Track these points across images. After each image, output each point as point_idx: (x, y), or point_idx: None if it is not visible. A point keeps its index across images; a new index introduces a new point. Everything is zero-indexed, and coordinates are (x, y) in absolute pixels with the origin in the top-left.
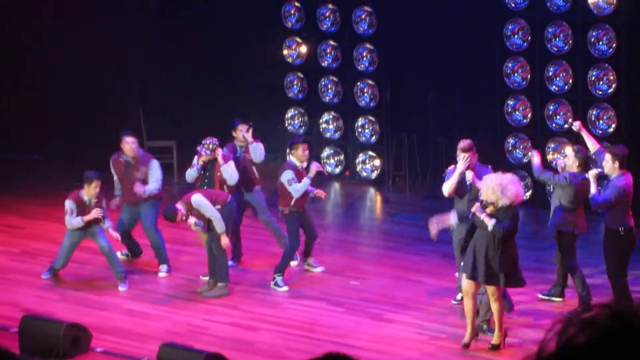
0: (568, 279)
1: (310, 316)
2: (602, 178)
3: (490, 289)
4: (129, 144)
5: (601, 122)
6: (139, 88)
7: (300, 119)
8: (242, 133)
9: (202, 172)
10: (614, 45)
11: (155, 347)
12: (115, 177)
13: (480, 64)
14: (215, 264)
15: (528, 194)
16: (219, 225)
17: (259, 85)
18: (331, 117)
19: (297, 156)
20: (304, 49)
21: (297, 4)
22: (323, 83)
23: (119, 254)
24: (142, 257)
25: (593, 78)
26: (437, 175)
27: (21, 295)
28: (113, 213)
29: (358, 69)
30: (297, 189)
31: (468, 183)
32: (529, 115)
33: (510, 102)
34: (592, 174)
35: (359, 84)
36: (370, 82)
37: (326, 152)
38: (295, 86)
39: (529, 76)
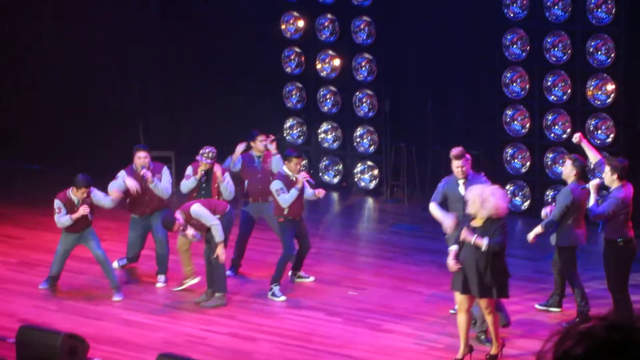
0: (566, 289)
1: (308, 326)
2: (602, 188)
3: (483, 302)
4: (142, 158)
5: (600, 132)
6: (139, 99)
7: (298, 129)
8: (264, 144)
9: (199, 182)
10: (612, 55)
11: (153, 357)
12: (118, 188)
13: (479, 74)
14: (213, 274)
15: (526, 204)
16: (218, 235)
17: (258, 95)
18: (330, 127)
19: (290, 168)
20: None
21: (296, 13)
22: (322, 93)
23: (115, 263)
24: (139, 267)
25: (592, 88)
26: (435, 185)
27: (19, 306)
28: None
29: (357, 79)
30: (285, 199)
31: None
32: (528, 125)
33: (509, 112)
34: (592, 184)
35: (357, 93)
36: (369, 92)
37: (325, 162)
38: (294, 96)
39: (527, 86)
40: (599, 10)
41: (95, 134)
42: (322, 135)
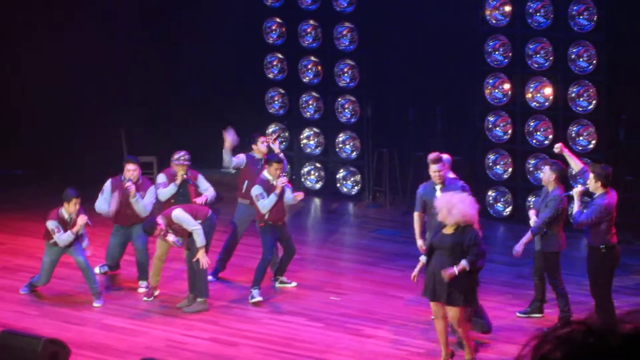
0: (547, 294)
1: (290, 332)
2: (586, 195)
3: (452, 311)
4: (131, 171)
5: (581, 138)
6: (121, 105)
7: (281, 135)
8: (266, 144)
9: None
10: (594, 61)
11: None
12: (106, 196)
13: (461, 80)
14: (195, 280)
15: (508, 210)
16: (199, 240)
17: (241, 101)
18: (312, 132)
19: (270, 172)
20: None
21: (278, 20)
22: (304, 99)
23: (98, 269)
24: (120, 272)
25: (573, 94)
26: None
27: (0, 311)
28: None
29: (339, 85)
30: (264, 204)
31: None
32: (510, 131)
33: (491, 119)
34: (576, 191)
35: (340, 100)
36: (351, 98)
37: (307, 167)
38: (276, 102)
39: (509, 92)
40: (581, 17)
41: (78, 139)
42: (305, 141)
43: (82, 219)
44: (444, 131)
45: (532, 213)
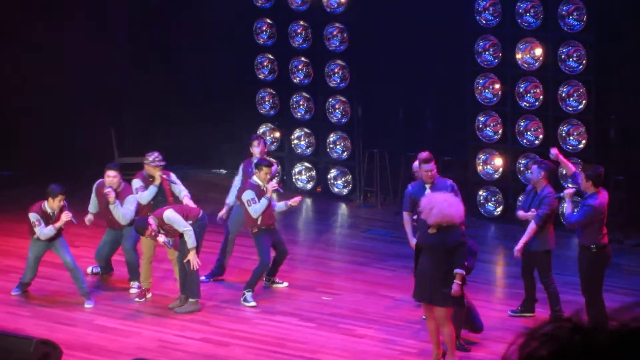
0: (537, 292)
1: (282, 332)
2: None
3: (438, 311)
4: (110, 177)
5: (571, 138)
6: (111, 106)
7: (272, 135)
8: (258, 149)
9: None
10: (584, 61)
11: None
12: (93, 201)
13: (452, 80)
14: (186, 280)
15: (499, 209)
16: (190, 241)
17: (231, 101)
18: (303, 133)
19: (260, 177)
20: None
21: (268, 20)
22: (295, 99)
23: (90, 269)
24: (113, 273)
25: (563, 94)
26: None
27: None
28: (85, 229)
29: (330, 86)
30: (255, 209)
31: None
32: (500, 131)
33: (482, 119)
34: (567, 193)
35: (330, 100)
36: (341, 98)
37: (298, 168)
38: (267, 102)
39: (500, 92)
40: (570, 17)
41: (68, 139)
42: (295, 142)
43: (66, 215)
44: (435, 131)
45: (522, 213)
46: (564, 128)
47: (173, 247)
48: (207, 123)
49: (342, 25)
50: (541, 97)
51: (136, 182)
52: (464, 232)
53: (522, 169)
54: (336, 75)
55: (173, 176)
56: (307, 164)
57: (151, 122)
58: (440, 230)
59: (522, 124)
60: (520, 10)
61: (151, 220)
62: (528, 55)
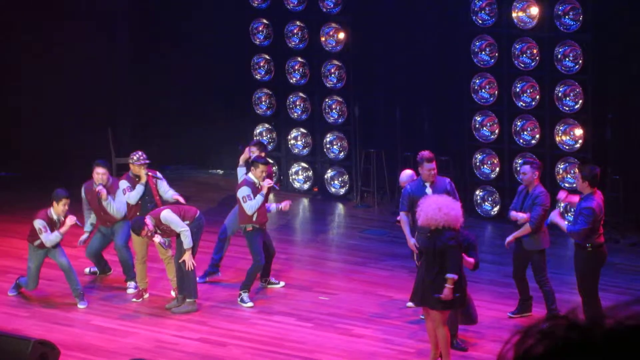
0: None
1: (279, 331)
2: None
3: (432, 314)
4: (100, 174)
5: (568, 137)
6: (108, 106)
7: (268, 135)
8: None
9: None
10: (580, 61)
11: None
12: (84, 203)
13: (448, 80)
14: (184, 280)
15: (496, 209)
16: (187, 241)
17: (227, 102)
18: (300, 133)
19: (255, 174)
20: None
21: (265, 21)
22: (291, 99)
23: (87, 270)
24: (110, 274)
25: (560, 94)
26: None
27: None
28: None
29: (326, 86)
30: (251, 205)
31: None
32: (497, 131)
33: (478, 118)
34: (554, 215)
35: (327, 100)
36: (338, 98)
37: (294, 168)
38: (263, 102)
39: (496, 92)
40: (567, 17)
41: (66, 140)
42: (292, 142)
43: (70, 220)
44: (431, 131)
45: (514, 214)
46: (561, 127)
47: (169, 247)
48: (204, 123)
49: (338, 25)
50: (537, 96)
51: (123, 184)
52: (455, 235)
53: (518, 168)
54: (332, 75)
55: (159, 175)
56: (303, 164)
57: (148, 122)
58: (433, 233)
59: (519, 123)
60: (517, 11)
61: (148, 220)
62: (524, 55)
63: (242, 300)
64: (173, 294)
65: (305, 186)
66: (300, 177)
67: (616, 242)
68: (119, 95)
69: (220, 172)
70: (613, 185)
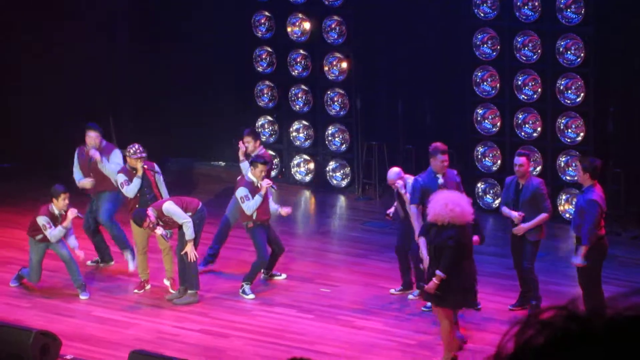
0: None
1: (281, 323)
2: (570, 186)
3: (435, 310)
4: (92, 138)
5: (570, 130)
6: (109, 96)
7: (270, 128)
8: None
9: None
10: (582, 54)
11: (125, 354)
12: (75, 165)
13: (450, 73)
14: (185, 272)
15: (497, 202)
16: (189, 233)
17: (229, 94)
18: (301, 125)
19: (254, 174)
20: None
21: (267, 13)
22: (293, 92)
23: (89, 262)
24: (112, 264)
25: (562, 87)
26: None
27: None
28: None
29: (328, 78)
30: (249, 206)
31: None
32: (498, 124)
33: (480, 111)
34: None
35: (329, 92)
36: (340, 91)
37: (296, 160)
38: (265, 95)
39: (498, 85)
40: (569, 10)
41: (66, 130)
42: (294, 134)
43: (72, 213)
44: (433, 124)
45: (507, 211)
46: (562, 121)
47: (170, 239)
48: (206, 116)
49: (340, 18)
50: (539, 89)
51: (120, 177)
52: (456, 234)
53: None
54: (334, 67)
55: (157, 168)
56: (305, 157)
57: (149, 114)
58: (438, 229)
59: (521, 116)
60: (519, 3)
61: (150, 212)
62: (526, 48)
63: (243, 292)
64: (166, 282)
65: (307, 178)
66: (302, 169)
67: (617, 235)
68: (119, 87)
69: (222, 163)
70: (614, 179)
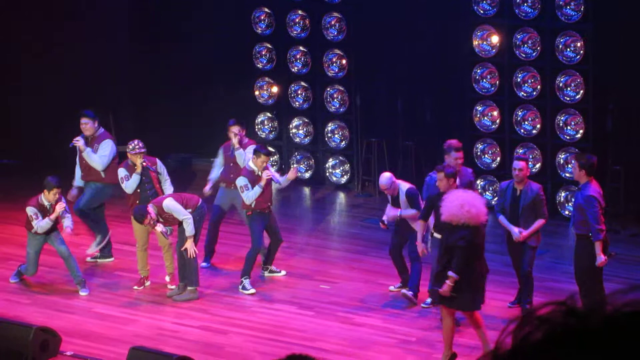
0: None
1: (280, 320)
2: (569, 183)
3: (440, 306)
4: (82, 124)
5: (569, 127)
6: (109, 93)
7: (270, 124)
8: (231, 136)
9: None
10: (581, 52)
11: (125, 350)
12: (77, 162)
13: (450, 70)
14: (185, 268)
15: (496, 199)
16: (189, 229)
17: (229, 91)
18: (301, 122)
19: (256, 163)
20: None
21: (266, 10)
22: (293, 88)
23: (88, 259)
24: (111, 261)
25: (561, 84)
26: (406, 179)
27: None
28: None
29: (328, 75)
30: (248, 196)
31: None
32: (498, 121)
33: (479, 108)
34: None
35: (328, 89)
36: (340, 87)
37: (296, 156)
38: (265, 91)
39: (497, 82)
40: (568, 7)
41: (66, 127)
42: (294, 131)
43: (60, 206)
44: (433, 121)
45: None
46: (562, 118)
47: (170, 235)
48: (205, 112)
49: (340, 14)
50: (539, 86)
51: (121, 172)
52: (468, 235)
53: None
54: (334, 64)
55: (159, 163)
56: (305, 153)
57: (149, 110)
58: (452, 228)
59: (520, 113)
60: (518, 1)
61: (150, 208)
62: (525, 45)
63: (243, 287)
64: (167, 279)
65: (307, 175)
66: (302, 165)
67: (617, 232)
68: (119, 95)
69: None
70: (614, 176)
